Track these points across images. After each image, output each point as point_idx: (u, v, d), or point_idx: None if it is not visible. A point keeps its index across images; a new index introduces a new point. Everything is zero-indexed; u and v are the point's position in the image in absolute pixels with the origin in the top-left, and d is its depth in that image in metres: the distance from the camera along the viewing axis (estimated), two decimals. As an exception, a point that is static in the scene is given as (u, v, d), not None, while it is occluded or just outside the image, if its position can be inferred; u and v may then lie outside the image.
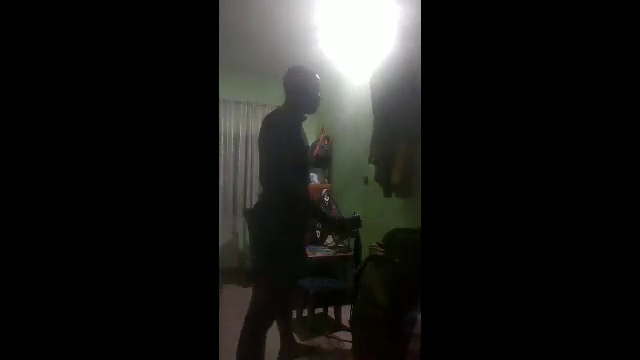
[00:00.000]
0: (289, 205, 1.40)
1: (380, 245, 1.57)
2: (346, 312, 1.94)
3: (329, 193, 2.87)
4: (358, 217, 1.71)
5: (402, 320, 1.37)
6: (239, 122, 3.33)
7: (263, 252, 1.42)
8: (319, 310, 2.26)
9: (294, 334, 1.82)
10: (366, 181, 2.48)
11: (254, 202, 3.26)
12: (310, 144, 2.85)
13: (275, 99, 3.44)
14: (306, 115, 1.53)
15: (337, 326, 2.15)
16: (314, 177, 3.11)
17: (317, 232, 2.84)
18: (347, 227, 1.62)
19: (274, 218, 1.39)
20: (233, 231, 3.36)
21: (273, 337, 1.68)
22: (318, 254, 2.45)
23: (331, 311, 2.24)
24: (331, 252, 2.55)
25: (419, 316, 1.35)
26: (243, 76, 3.29)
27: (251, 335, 1.41)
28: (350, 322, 1.66)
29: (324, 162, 3.18)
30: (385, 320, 1.41)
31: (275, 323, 1.65)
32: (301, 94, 1.48)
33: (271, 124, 1.41)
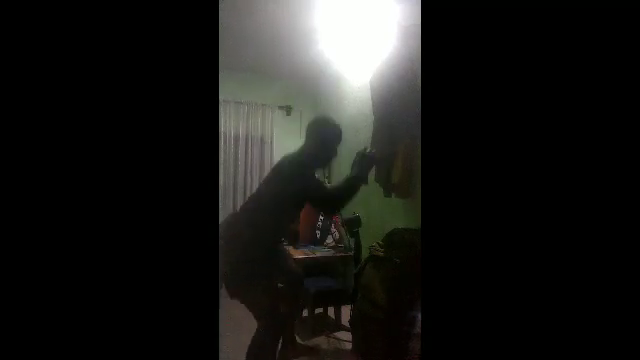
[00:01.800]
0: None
1: (380, 245, 1.57)
2: (346, 312, 1.94)
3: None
4: (358, 217, 1.71)
5: (402, 320, 1.37)
6: (239, 122, 3.33)
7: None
8: (319, 310, 2.26)
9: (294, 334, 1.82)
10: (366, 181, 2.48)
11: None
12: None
13: (275, 99, 3.45)
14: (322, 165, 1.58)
15: (337, 326, 2.15)
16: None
17: (317, 232, 2.84)
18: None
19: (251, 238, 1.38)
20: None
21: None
22: (318, 254, 2.45)
23: (331, 311, 2.24)
24: (331, 252, 2.55)
25: (419, 316, 1.35)
26: (243, 76, 3.29)
27: (260, 348, 1.41)
28: (350, 322, 1.66)
29: (324, 162, 3.17)
30: (385, 320, 1.41)
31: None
32: (320, 146, 1.51)
33: (284, 173, 1.44)
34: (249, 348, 1.41)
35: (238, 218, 1.51)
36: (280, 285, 1.60)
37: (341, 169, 3.01)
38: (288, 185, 1.39)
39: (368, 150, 1.55)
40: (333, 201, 1.48)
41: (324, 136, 1.51)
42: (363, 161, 1.52)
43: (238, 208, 3.31)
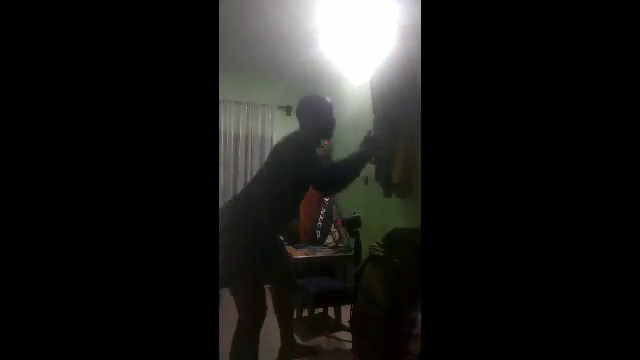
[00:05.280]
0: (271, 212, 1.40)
1: (380, 245, 1.57)
2: (346, 312, 1.94)
3: (329, 193, 2.87)
4: (358, 217, 1.71)
5: (402, 320, 1.37)
6: (239, 122, 3.33)
7: (239, 253, 1.38)
8: (319, 310, 2.26)
9: (294, 334, 1.82)
10: (366, 181, 2.48)
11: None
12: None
13: (275, 99, 3.45)
14: (321, 140, 1.61)
15: (337, 326, 2.15)
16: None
17: (317, 232, 2.84)
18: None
19: (250, 220, 1.38)
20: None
21: (273, 337, 1.68)
22: (318, 254, 2.45)
23: (331, 311, 2.24)
24: (331, 252, 2.55)
25: (419, 316, 1.35)
26: (243, 76, 3.29)
27: (242, 338, 1.40)
28: (350, 322, 1.66)
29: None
30: (385, 320, 1.41)
31: (276, 322, 1.66)
32: (315, 120, 1.53)
33: (284, 154, 1.44)
34: (232, 340, 1.41)
35: (239, 204, 1.49)
36: (271, 284, 1.61)
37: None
38: (289, 167, 1.38)
39: (372, 132, 1.59)
40: (334, 180, 1.45)
41: (316, 111, 1.54)
42: (368, 142, 1.55)
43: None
